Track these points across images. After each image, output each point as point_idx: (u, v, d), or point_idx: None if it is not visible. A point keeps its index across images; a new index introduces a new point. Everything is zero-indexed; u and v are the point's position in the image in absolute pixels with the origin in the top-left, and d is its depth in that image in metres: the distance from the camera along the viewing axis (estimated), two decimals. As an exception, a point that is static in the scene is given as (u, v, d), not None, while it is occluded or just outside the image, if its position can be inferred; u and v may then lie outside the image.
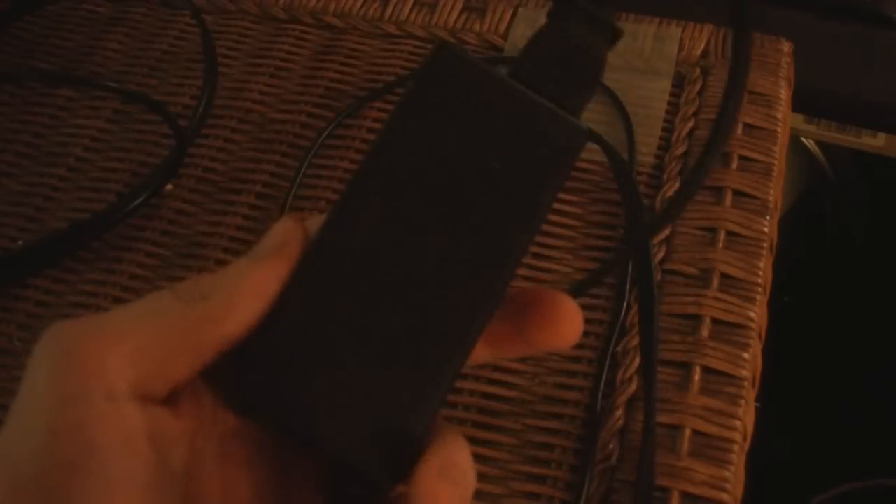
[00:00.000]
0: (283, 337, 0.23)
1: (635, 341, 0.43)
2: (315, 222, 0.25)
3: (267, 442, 0.25)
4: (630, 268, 0.45)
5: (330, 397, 0.23)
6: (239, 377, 0.23)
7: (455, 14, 0.58)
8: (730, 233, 0.46)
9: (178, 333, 0.23)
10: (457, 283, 0.24)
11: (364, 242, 0.24)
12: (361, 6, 0.60)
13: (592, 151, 0.49)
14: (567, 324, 0.24)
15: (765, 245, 0.46)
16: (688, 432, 0.40)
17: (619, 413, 0.41)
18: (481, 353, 0.25)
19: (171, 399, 0.23)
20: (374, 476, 0.23)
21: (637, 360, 0.42)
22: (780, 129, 0.51)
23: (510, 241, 0.24)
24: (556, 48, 0.25)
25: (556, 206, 0.48)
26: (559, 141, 0.24)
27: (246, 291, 0.23)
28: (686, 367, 0.42)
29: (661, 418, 0.40)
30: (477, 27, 0.57)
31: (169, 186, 0.51)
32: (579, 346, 0.43)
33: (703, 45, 0.55)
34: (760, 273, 0.45)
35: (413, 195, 0.24)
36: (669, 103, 0.53)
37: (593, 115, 0.52)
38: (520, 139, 0.24)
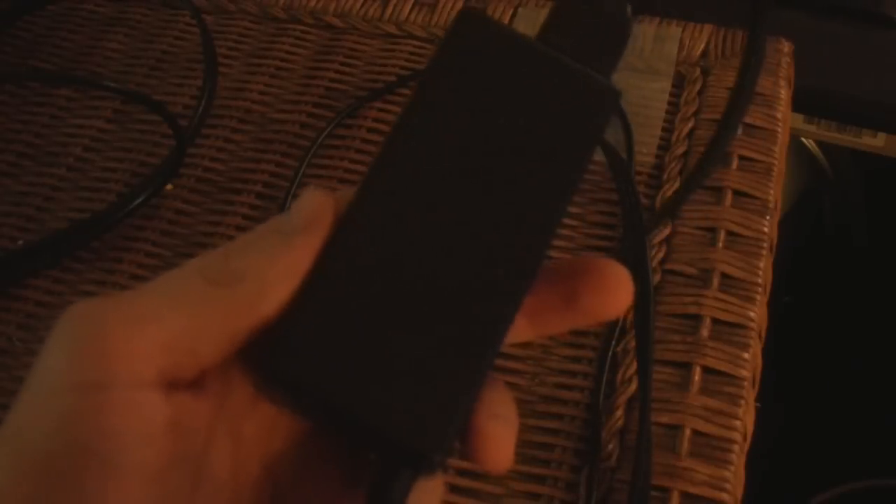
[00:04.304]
0: (322, 313, 0.22)
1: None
2: (345, 195, 0.24)
3: (281, 422, 0.25)
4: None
5: (375, 375, 0.22)
6: (280, 358, 0.22)
7: (455, 14, 0.58)
8: (730, 233, 0.46)
9: (212, 320, 0.22)
10: (496, 249, 0.23)
11: (398, 212, 0.23)
12: (361, 6, 0.60)
13: (592, 151, 0.49)
14: (622, 290, 0.24)
15: (765, 245, 0.46)
16: (688, 432, 0.40)
17: (619, 413, 0.41)
18: (524, 330, 0.25)
19: (196, 381, 0.23)
20: (426, 454, 0.22)
21: (637, 360, 0.42)
22: (780, 129, 0.51)
23: (548, 207, 0.23)
24: (582, 12, 0.25)
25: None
26: (591, 102, 0.24)
27: (281, 271, 0.22)
28: (686, 367, 0.42)
29: (661, 418, 0.40)
30: (477, 27, 0.57)
31: (169, 186, 0.51)
32: (579, 346, 0.43)
33: (703, 45, 0.55)
34: (760, 273, 0.45)
35: (446, 163, 0.23)
36: (669, 103, 0.53)
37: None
38: (551, 102, 0.24)
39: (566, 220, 0.48)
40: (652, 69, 0.54)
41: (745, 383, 0.41)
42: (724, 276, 0.45)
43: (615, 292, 0.24)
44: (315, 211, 0.23)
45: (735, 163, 0.49)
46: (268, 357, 0.22)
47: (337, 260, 0.23)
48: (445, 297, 0.23)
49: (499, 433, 0.22)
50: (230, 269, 0.22)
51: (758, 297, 0.44)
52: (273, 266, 0.22)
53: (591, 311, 0.24)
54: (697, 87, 0.53)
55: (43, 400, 0.21)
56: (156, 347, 0.21)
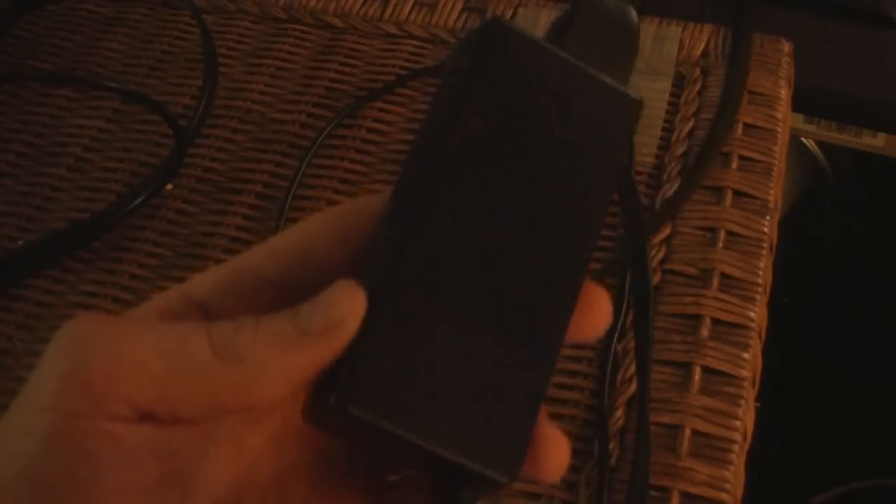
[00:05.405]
0: (380, 346, 0.22)
1: (635, 341, 0.43)
2: (369, 203, 0.24)
3: (290, 434, 0.25)
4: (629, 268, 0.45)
5: (443, 404, 0.22)
6: (346, 393, 0.21)
7: (455, 14, 0.58)
8: (730, 233, 0.46)
9: (199, 390, 0.21)
10: (544, 268, 0.23)
11: (447, 234, 0.23)
12: (361, 6, 0.60)
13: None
14: (601, 314, 0.24)
15: (765, 245, 0.46)
16: (688, 432, 0.40)
17: (619, 413, 0.41)
18: None
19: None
20: (496, 478, 0.22)
21: (637, 360, 0.42)
22: (780, 129, 0.51)
23: (587, 222, 0.24)
24: (596, 20, 0.25)
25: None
26: (618, 116, 0.24)
27: (281, 372, 0.21)
28: (686, 367, 0.42)
29: (662, 418, 0.40)
30: (477, 27, 0.57)
31: (169, 186, 0.51)
32: (579, 346, 0.43)
33: (703, 45, 0.55)
34: (760, 273, 0.45)
35: (488, 185, 0.23)
36: (669, 103, 0.53)
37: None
38: (584, 116, 0.24)
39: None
40: (652, 69, 0.54)
41: (745, 383, 0.41)
42: (724, 276, 0.45)
43: (595, 316, 0.24)
44: (341, 315, 0.22)
45: (735, 163, 0.49)
46: (332, 392, 0.22)
47: (393, 289, 0.22)
48: (502, 318, 0.23)
49: (560, 438, 0.23)
50: (234, 346, 0.21)
51: (758, 297, 0.44)
52: (275, 363, 0.21)
53: (575, 333, 0.24)
54: (697, 87, 0.53)
55: (30, 416, 0.21)
56: (136, 394, 0.21)
